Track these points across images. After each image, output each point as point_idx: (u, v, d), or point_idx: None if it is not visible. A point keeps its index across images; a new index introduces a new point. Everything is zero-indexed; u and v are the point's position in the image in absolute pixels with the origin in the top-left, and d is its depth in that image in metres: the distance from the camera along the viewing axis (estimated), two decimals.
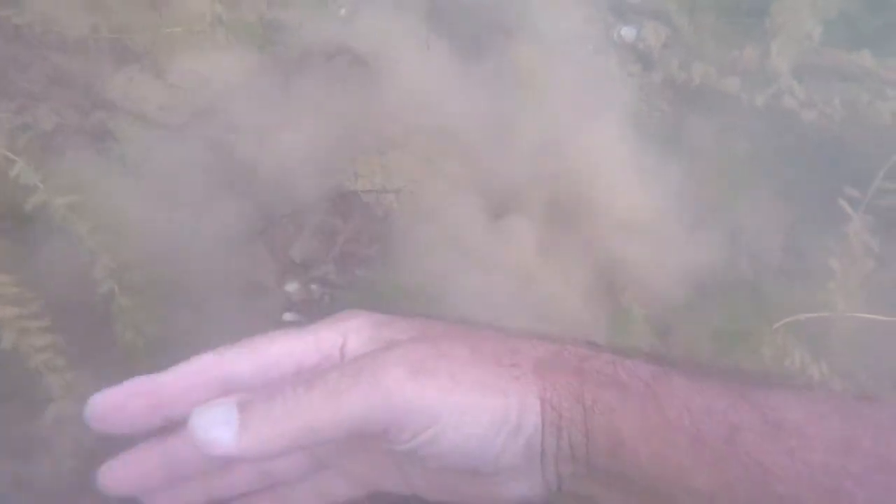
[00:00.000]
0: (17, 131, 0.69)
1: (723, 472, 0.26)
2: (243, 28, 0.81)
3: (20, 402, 0.57)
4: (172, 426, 0.31)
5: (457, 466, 0.29)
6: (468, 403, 0.28)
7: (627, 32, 1.01)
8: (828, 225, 0.71)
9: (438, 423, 0.27)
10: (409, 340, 0.30)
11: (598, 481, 0.29)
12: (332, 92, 0.77)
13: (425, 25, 0.87)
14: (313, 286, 0.71)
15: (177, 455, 0.31)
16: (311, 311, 0.71)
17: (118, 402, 0.30)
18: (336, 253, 0.73)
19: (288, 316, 0.71)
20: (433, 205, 0.76)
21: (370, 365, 0.28)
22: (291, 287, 0.71)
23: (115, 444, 0.31)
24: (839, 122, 0.80)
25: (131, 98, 0.74)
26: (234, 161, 0.73)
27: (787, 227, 0.76)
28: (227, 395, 0.30)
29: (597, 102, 0.87)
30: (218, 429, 0.27)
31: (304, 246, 0.73)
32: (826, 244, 0.66)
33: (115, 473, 0.31)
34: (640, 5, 1.05)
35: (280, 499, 0.34)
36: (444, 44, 0.88)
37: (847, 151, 0.80)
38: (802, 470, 0.26)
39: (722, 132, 0.86)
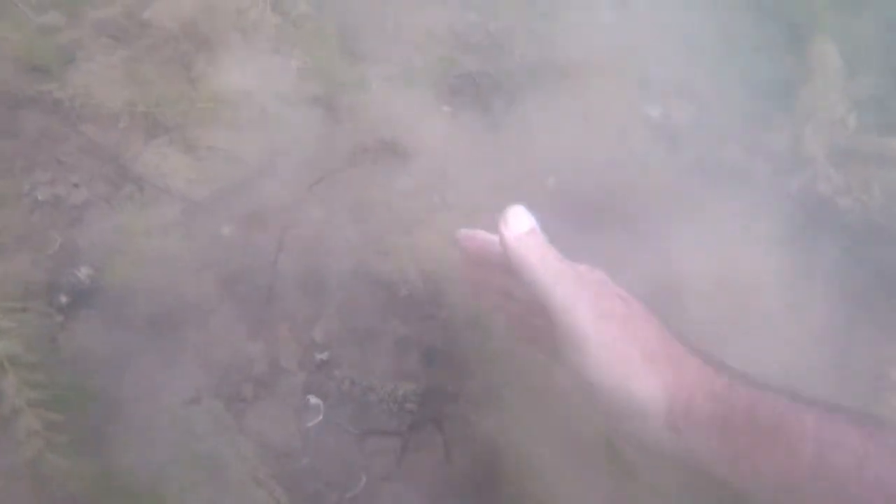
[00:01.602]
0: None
1: (846, 496, 0.31)
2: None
3: None
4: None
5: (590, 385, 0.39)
6: (615, 360, 0.37)
7: (653, 111, 1.01)
8: (871, 323, 0.68)
9: (587, 350, 0.38)
10: (618, 297, 0.42)
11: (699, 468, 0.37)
12: (363, 174, 0.76)
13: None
14: (336, 371, 0.68)
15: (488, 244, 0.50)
16: (333, 395, 0.68)
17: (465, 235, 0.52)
18: (359, 333, 0.71)
19: (308, 399, 0.69)
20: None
21: (586, 283, 0.41)
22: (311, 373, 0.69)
23: None
24: (878, 210, 0.78)
25: (161, 172, 0.74)
26: (257, 240, 0.72)
27: (828, 321, 0.72)
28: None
29: (625, 184, 0.86)
30: (516, 219, 0.43)
31: (327, 326, 0.71)
32: (881, 348, 0.62)
33: (463, 234, 0.52)
34: (665, 83, 1.05)
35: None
36: (469, 121, 0.89)
37: (887, 240, 0.77)
38: None
39: (753, 216, 0.84)
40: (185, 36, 0.76)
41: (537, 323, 0.48)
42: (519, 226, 0.43)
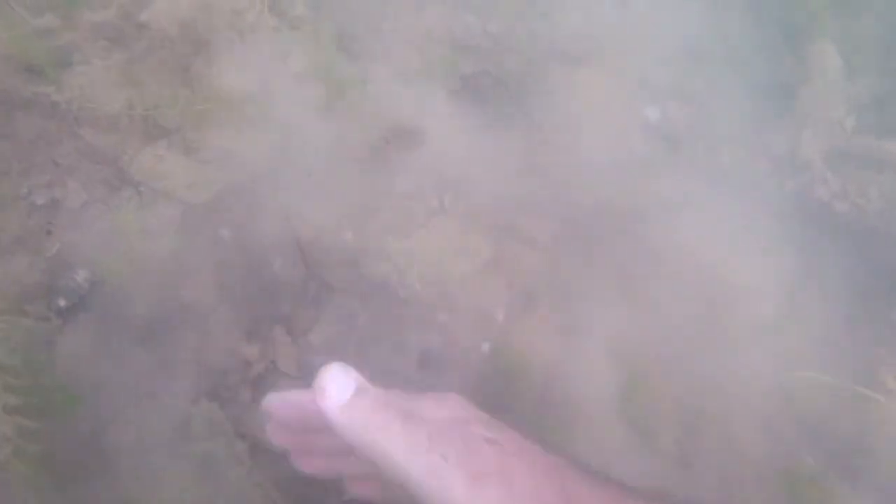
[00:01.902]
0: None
1: None
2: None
3: None
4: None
5: None
6: None
7: (652, 112, 1.01)
8: (868, 327, 0.68)
9: None
10: (488, 450, 0.33)
11: None
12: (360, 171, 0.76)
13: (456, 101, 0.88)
14: None
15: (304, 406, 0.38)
16: None
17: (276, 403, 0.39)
18: (357, 337, 0.71)
19: None
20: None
21: (445, 440, 0.32)
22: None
23: None
24: (875, 215, 0.78)
25: (159, 175, 0.74)
26: (256, 242, 0.72)
27: (825, 327, 0.73)
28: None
29: (625, 184, 0.86)
30: (335, 385, 0.32)
31: (324, 330, 0.71)
32: (872, 351, 0.63)
33: (273, 401, 0.39)
34: (664, 84, 1.04)
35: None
36: (472, 120, 0.89)
37: (884, 246, 0.77)
38: None
39: (750, 218, 0.84)
40: (183, 38, 0.76)
41: (390, 482, 0.36)
42: (340, 392, 0.33)
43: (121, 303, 0.69)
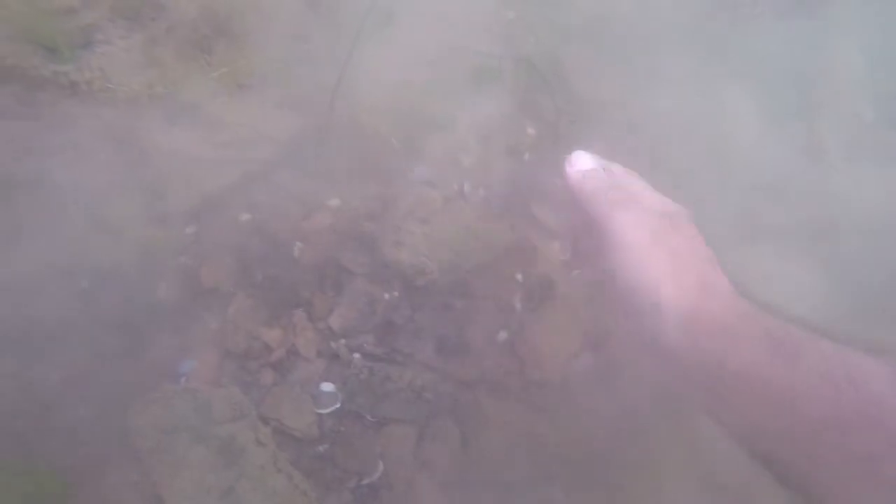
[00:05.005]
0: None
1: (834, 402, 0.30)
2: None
3: None
4: None
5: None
6: (646, 261, 0.37)
7: (664, 101, 1.00)
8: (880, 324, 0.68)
9: (624, 251, 0.37)
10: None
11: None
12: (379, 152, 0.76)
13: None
14: (356, 355, 0.69)
15: None
16: (351, 384, 0.69)
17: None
18: (376, 322, 0.72)
19: (325, 386, 0.69)
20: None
21: (629, 204, 0.39)
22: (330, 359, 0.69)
23: None
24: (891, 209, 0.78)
25: (179, 156, 0.74)
26: (276, 226, 0.72)
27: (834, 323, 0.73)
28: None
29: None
30: (582, 160, 0.41)
31: (344, 315, 0.71)
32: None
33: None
34: (679, 72, 1.04)
35: None
36: (491, 105, 0.89)
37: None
38: None
39: (768, 215, 0.84)
40: (204, 19, 0.75)
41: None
42: (580, 164, 0.44)
43: (142, 286, 0.69)
